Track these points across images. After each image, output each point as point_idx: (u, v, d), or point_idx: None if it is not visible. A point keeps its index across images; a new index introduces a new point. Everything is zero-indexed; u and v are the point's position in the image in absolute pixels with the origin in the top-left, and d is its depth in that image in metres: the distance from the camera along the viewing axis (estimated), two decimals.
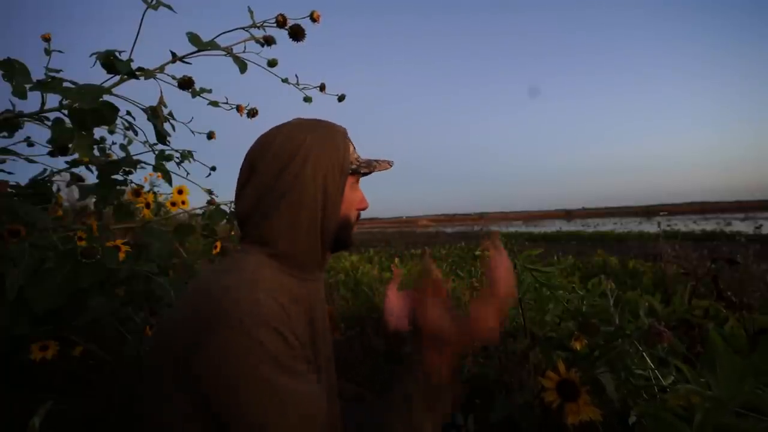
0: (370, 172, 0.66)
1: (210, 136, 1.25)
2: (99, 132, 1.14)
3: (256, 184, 0.58)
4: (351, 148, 0.64)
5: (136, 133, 1.15)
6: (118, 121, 1.09)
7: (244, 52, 0.98)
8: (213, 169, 1.41)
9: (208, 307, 0.47)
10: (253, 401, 0.43)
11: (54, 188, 1.14)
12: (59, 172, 1.11)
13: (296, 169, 0.57)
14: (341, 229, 0.63)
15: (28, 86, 0.78)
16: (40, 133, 1.03)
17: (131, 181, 1.26)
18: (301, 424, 0.45)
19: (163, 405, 0.48)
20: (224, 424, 0.44)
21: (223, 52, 0.95)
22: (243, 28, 0.96)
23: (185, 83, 0.98)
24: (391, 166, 0.68)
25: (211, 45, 0.91)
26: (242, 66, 0.96)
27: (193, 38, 0.88)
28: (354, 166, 0.63)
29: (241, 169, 0.61)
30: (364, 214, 0.70)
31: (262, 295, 0.49)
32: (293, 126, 0.61)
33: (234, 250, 0.63)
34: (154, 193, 1.48)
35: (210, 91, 1.11)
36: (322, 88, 1.21)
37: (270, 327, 0.46)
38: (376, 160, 0.66)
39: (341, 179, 0.60)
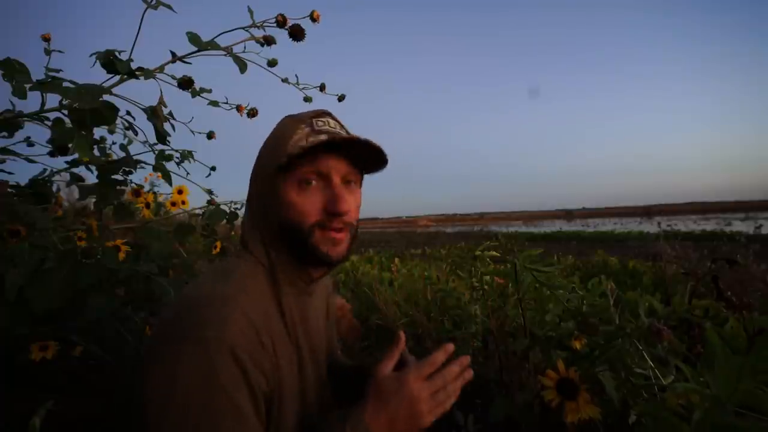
0: (304, 151, 0.51)
1: (210, 136, 1.25)
2: (99, 132, 1.15)
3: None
4: (297, 136, 0.53)
5: (136, 133, 1.15)
6: (118, 121, 1.09)
7: (244, 51, 0.98)
8: (213, 169, 1.41)
9: (178, 317, 0.46)
10: (182, 422, 0.41)
11: (54, 188, 1.14)
12: (59, 172, 1.11)
13: (253, 170, 0.57)
14: (293, 240, 0.53)
15: (28, 86, 0.78)
16: (40, 133, 1.03)
17: (131, 181, 1.26)
18: None
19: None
20: None
21: (223, 52, 0.95)
22: (243, 28, 0.96)
23: (185, 83, 0.98)
24: (333, 140, 0.51)
25: (211, 45, 0.91)
26: (242, 66, 0.96)
27: (193, 38, 0.88)
28: (287, 156, 0.51)
29: None
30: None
31: (236, 313, 0.46)
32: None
33: (233, 253, 0.62)
34: (154, 193, 1.49)
35: (210, 91, 1.11)
36: (322, 88, 1.21)
37: (229, 352, 0.44)
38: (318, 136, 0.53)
39: (272, 177, 0.53)
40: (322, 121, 0.56)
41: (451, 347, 0.58)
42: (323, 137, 0.52)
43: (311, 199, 0.53)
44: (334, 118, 0.59)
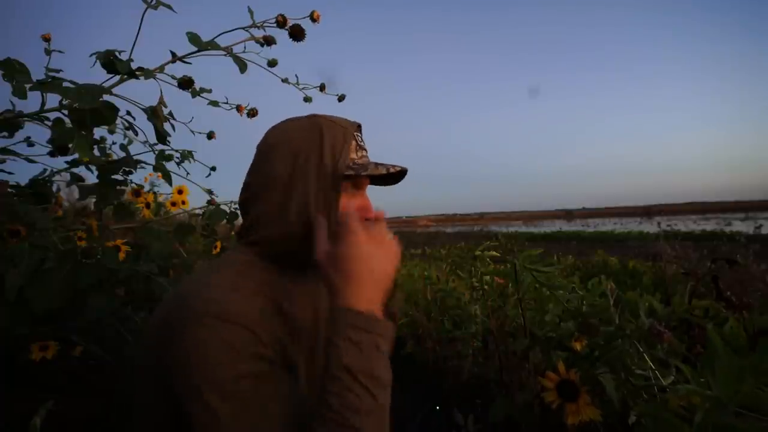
0: (356, 176, 0.58)
1: (210, 136, 1.25)
2: (99, 132, 1.15)
3: (256, 173, 0.59)
4: (347, 147, 0.58)
5: (136, 133, 1.15)
6: (118, 121, 1.09)
7: (244, 51, 0.98)
8: (213, 169, 1.41)
9: (182, 304, 0.48)
10: (211, 398, 0.42)
11: (54, 188, 1.14)
12: (59, 172, 1.11)
13: (271, 163, 0.57)
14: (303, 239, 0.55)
15: (28, 86, 0.78)
16: (40, 133, 1.03)
17: (131, 181, 1.26)
18: (258, 423, 0.44)
19: (143, 406, 0.49)
20: (187, 418, 0.43)
21: (223, 52, 0.95)
22: (243, 28, 0.96)
23: (185, 83, 0.98)
24: (388, 171, 0.59)
25: (211, 45, 0.91)
26: (242, 66, 0.96)
27: (193, 38, 0.88)
28: (339, 168, 0.56)
29: None
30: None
31: (234, 295, 0.48)
32: (293, 121, 0.61)
33: (233, 245, 0.63)
34: (154, 193, 1.49)
35: (210, 91, 1.11)
36: (322, 88, 1.21)
37: (237, 325, 0.45)
38: (377, 164, 0.60)
39: (320, 179, 0.55)
40: (360, 135, 0.63)
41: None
42: (383, 169, 0.59)
43: (350, 204, 0.59)
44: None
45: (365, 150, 0.62)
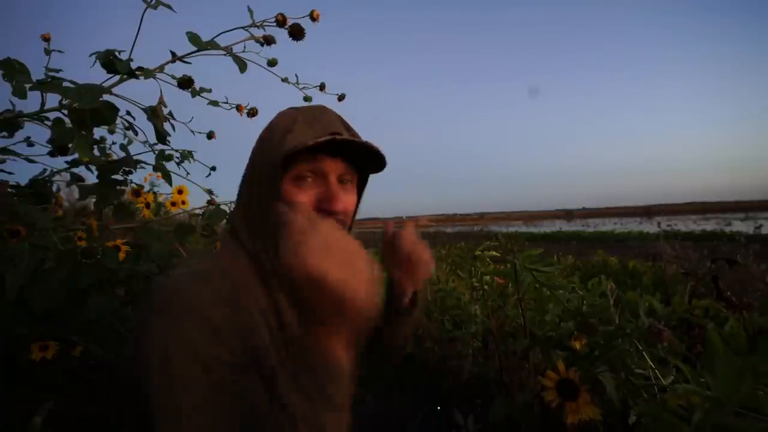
0: (304, 148, 0.50)
1: (210, 136, 1.25)
2: (99, 132, 1.14)
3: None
4: (297, 131, 0.52)
5: (136, 133, 1.15)
6: (118, 121, 1.09)
7: (243, 51, 0.98)
8: (213, 169, 1.41)
9: (153, 297, 0.47)
10: (163, 389, 0.42)
11: (54, 188, 1.14)
12: (59, 172, 1.11)
13: (250, 163, 0.56)
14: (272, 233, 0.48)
15: (28, 86, 0.78)
16: (40, 133, 1.03)
17: (131, 181, 1.26)
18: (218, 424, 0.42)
19: (127, 404, 0.49)
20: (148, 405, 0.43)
21: (223, 52, 0.95)
22: (243, 28, 0.96)
23: (185, 83, 0.98)
24: (316, 141, 0.50)
25: (211, 44, 0.91)
26: (242, 65, 0.96)
27: (193, 38, 0.88)
28: (285, 152, 0.49)
29: None
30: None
31: (205, 287, 0.46)
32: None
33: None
34: (154, 193, 1.49)
35: (210, 91, 1.11)
36: (321, 87, 1.21)
37: (200, 317, 0.44)
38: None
39: (271, 170, 0.51)
40: (320, 116, 0.56)
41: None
42: (323, 138, 0.50)
43: (305, 195, 0.52)
44: (333, 113, 0.59)
45: (325, 130, 0.53)
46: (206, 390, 0.43)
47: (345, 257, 0.39)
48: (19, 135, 0.96)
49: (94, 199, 1.06)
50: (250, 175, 0.56)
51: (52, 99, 0.81)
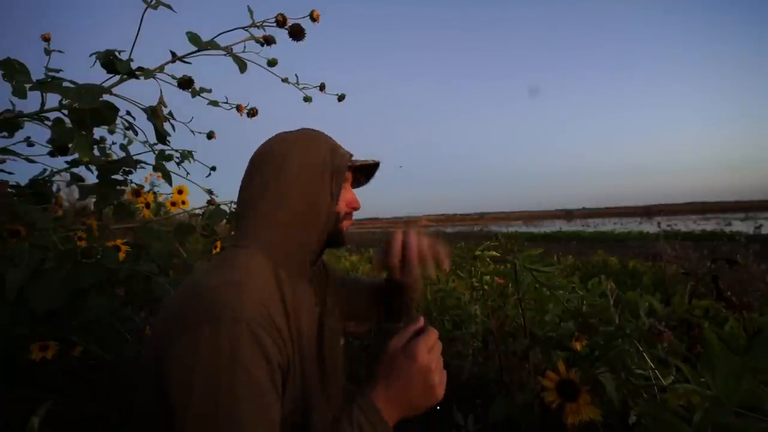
0: (352, 167, 0.67)
1: (210, 136, 1.25)
2: (99, 132, 1.15)
3: (250, 182, 0.62)
4: (338, 149, 0.65)
5: (136, 133, 1.15)
6: (118, 121, 1.09)
7: (244, 51, 0.98)
8: (213, 169, 1.41)
9: (190, 304, 0.48)
10: (206, 401, 0.42)
11: (54, 188, 1.14)
12: (59, 172, 1.11)
13: (281, 167, 0.60)
14: (328, 224, 0.63)
15: (28, 86, 0.78)
16: (40, 133, 1.03)
17: (131, 181, 1.26)
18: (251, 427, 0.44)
19: (141, 406, 0.49)
20: (173, 418, 0.43)
21: (223, 52, 0.95)
22: (243, 28, 0.96)
23: (185, 83, 0.98)
24: (374, 162, 0.70)
25: (211, 45, 0.91)
26: (242, 65, 0.96)
27: (193, 38, 0.88)
28: (337, 165, 0.63)
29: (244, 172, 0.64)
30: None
31: (246, 295, 0.49)
32: (283, 133, 0.66)
33: (228, 246, 0.64)
34: (154, 193, 1.49)
35: (210, 91, 1.11)
36: (321, 87, 1.21)
37: (246, 328, 0.46)
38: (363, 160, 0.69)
39: (324, 176, 0.61)
40: (331, 138, 0.69)
41: (421, 319, 0.60)
42: (371, 160, 0.69)
43: (351, 195, 0.68)
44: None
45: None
46: (271, 398, 0.46)
47: (443, 375, 0.55)
48: (19, 135, 0.97)
49: (94, 199, 1.06)
50: (295, 179, 0.60)
51: (52, 99, 0.81)
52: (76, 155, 1.04)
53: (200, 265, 1.48)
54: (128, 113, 1.08)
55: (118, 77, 0.83)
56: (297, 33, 0.97)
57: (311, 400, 0.57)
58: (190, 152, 1.30)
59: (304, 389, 0.56)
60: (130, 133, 1.16)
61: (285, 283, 0.57)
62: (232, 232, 1.45)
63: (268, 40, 0.99)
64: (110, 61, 0.81)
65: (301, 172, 0.60)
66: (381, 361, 0.55)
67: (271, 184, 0.59)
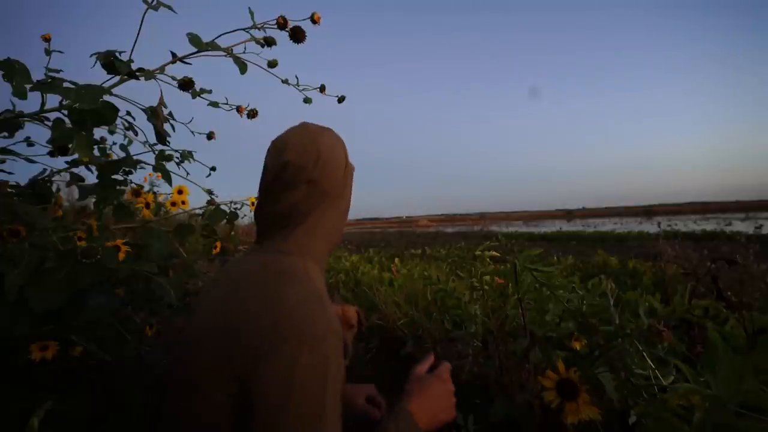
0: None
1: (210, 136, 1.25)
2: (99, 132, 1.14)
3: (297, 184, 0.59)
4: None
5: (136, 133, 1.15)
6: (118, 121, 1.09)
7: (244, 52, 0.98)
8: (213, 169, 1.41)
9: (278, 321, 0.48)
10: (302, 420, 0.45)
11: (54, 188, 1.14)
12: (59, 172, 1.11)
13: (333, 174, 0.62)
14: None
15: (28, 86, 0.78)
16: (40, 133, 1.03)
17: (131, 181, 1.26)
18: None
19: (199, 411, 0.49)
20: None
21: (224, 53, 0.95)
22: (243, 29, 0.96)
23: (185, 84, 0.98)
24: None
25: (212, 46, 0.91)
26: (242, 67, 0.96)
27: (194, 39, 0.88)
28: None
29: (270, 171, 0.61)
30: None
31: (329, 312, 0.52)
32: (314, 128, 0.64)
33: (258, 249, 0.61)
34: (154, 193, 1.49)
35: (210, 92, 1.11)
36: (322, 89, 1.21)
37: (335, 347, 0.49)
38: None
39: (351, 177, 0.67)
40: None
41: (432, 355, 0.73)
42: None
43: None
44: None
45: None
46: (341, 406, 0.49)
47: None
48: (19, 135, 0.96)
49: (94, 199, 1.06)
50: (346, 187, 0.64)
51: (52, 99, 0.81)
52: (76, 155, 1.04)
53: (202, 267, 1.48)
54: (128, 113, 1.08)
55: (118, 78, 0.83)
56: (297, 35, 0.97)
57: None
58: (190, 152, 1.30)
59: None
60: (130, 133, 1.16)
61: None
62: (232, 233, 1.45)
63: (269, 42, 0.99)
64: (111, 62, 0.81)
65: (348, 178, 0.64)
66: (410, 380, 0.65)
67: (326, 188, 0.61)
